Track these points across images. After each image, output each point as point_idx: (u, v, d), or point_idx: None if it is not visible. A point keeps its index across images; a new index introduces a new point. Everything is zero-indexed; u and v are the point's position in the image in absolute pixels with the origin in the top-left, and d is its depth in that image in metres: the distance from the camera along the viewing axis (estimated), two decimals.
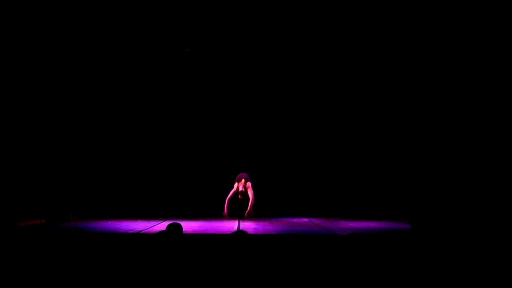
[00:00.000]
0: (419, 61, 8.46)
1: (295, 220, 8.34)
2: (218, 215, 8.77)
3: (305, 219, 8.42)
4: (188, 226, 6.79)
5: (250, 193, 8.63)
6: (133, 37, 8.95)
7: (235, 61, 9.60)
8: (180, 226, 4.54)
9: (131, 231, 6.42)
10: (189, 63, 9.56)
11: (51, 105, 8.56)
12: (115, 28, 8.72)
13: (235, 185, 8.77)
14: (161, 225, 7.19)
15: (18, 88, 7.96)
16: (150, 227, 6.92)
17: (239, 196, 8.65)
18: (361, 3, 8.41)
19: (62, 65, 8.68)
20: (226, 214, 8.65)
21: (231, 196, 8.71)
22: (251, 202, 8.62)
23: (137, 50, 9.26)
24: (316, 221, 8.04)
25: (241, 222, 7.92)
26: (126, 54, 9.27)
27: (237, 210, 8.69)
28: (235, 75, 9.69)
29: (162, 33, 8.90)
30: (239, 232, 4.45)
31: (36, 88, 8.28)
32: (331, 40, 9.04)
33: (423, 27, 8.27)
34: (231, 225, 7.37)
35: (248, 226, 7.26)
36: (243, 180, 8.67)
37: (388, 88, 9.07)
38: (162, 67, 9.54)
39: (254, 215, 8.66)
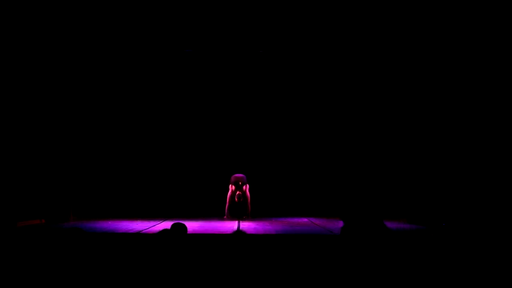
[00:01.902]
0: (409, 63, 8.53)
1: (295, 220, 8.34)
2: (217, 215, 8.77)
3: (305, 219, 8.42)
4: (188, 226, 6.77)
5: (248, 196, 8.60)
6: (134, 37, 8.95)
7: (235, 61, 9.61)
8: (184, 227, 4.54)
9: (131, 231, 6.43)
10: (190, 63, 9.57)
11: (52, 105, 8.57)
12: (115, 28, 8.73)
13: (230, 187, 8.70)
14: (161, 225, 7.19)
15: (19, 88, 7.97)
16: (150, 227, 6.93)
17: (236, 199, 8.55)
18: (361, 2, 8.42)
19: (62, 65, 8.69)
20: (227, 217, 8.61)
21: (229, 199, 8.65)
22: (249, 207, 8.58)
23: (138, 51, 9.26)
24: (316, 221, 8.04)
25: (241, 222, 7.92)
26: (126, 54, 9.27)
27: (236, 211, 8.66)
28: (236, 76, 9.70)
29: (162, 33, 8.90)
30: (239, 232, 4.45)
31: (36, 88, 8.29)
32: (330, 41, 9.05)
33: (419, 27, 8.29)
34: (231, 225, 7.37)
35: (248, 226, 7.26)
36: (240, 183, 8.60)
37: (389, 87, 9.08)
38: (162, 67, 9.55)
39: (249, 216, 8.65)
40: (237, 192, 8.50)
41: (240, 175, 8.73)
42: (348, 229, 4.24)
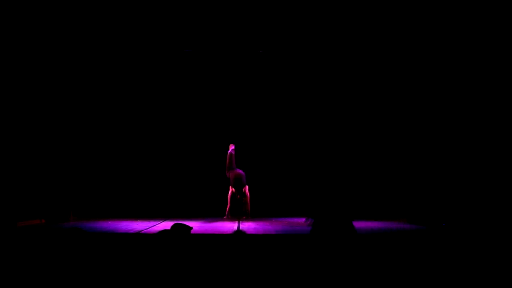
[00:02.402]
0: (415, 64, 8.53)
1: (295, 220, 8.33)
2: (217, 215, 8.77)
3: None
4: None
5: (247, 195, 8.59)
6: (134, 38, 8.95)
7: (235, 61, 9.61)
8: (187, 228, 4.54)
9: (131, 231, 6.43)
10: (190, 63, 9.57)
11: (52, 106, 8.57)
12: (116, 29, 8.73)
13: (231, 187, 8.67)
14: (161, 225, 7.19)
15: (19, 88, 7.98)
16: (150, 227, 6.93)
17: (238, 196, 8.56)
18: (360, 3, 8.42)
19: (62, 65, 8.69)
20: (227, 217, 8.61)
21: (230, 199, 8.64)
22: (248, 207, 8.58)
23: (138, 51, 9.26)
24: None
25: (241, 222, 7.92)
26: (126, 54, 9.27)
27: (236, 212, 8.64)
28: (236, 76, 9.70)
29: (162, 33, 8.90)
30: (239, 232, 4.45)
31: (36, 89, 8.30)
32: (329, 42, 9.05)
33: (421, 27, 8.29)
34: (231, 225, 7.37)
35: (248, 226, 7.26)
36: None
37: (387, 89, 9.08)
38: (163, 68, 9.55)
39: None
40: (237, 196, 8.52)
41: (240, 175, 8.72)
42: (317, 227, 4.28)
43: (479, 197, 7.53)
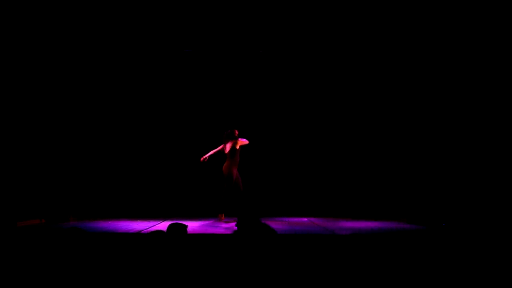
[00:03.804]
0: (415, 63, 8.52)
1: (295, 220, 8.34)
2: (217, 216, 8.76)
3: (305, 219, 8.42)
4: (188, 226, 6.78)
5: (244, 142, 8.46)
6: (134, 38, 8.96)
7: (235, 61, 9.61)
8: (184, 226, 4.55)
9: (131, 231, 6.43)
10: (190, 63, 9.58)
11: (51, 106, 8.58)
12: (116, 29, 8.73)
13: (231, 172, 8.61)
14: (161, 225, 7.19)
15: (19, 89, 7.98)
16: (150, 227, 6.93)
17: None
18: (360, 3, 8.43)
19: (62, 65, 8.70)
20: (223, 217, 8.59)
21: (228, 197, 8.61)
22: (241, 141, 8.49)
23: (138, 51, 9.27)
24: (316, 221, 8.04)
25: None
26: (126, 54, 9.28)
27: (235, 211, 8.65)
28: (235, 76, 9.71)
29: (162, 33, 8.91)
30: (239, 232, 4.45)
31: (36, 88, 8.30)
32: (331, 40, 9.06)
33: (422, 26, 8.29)
34: (231, 225, 7.37)
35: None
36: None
37: (387, 89, 9.08)
38: (163, 67, 9.56)
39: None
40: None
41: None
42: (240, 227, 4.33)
43: (478, 197, 7.54)
